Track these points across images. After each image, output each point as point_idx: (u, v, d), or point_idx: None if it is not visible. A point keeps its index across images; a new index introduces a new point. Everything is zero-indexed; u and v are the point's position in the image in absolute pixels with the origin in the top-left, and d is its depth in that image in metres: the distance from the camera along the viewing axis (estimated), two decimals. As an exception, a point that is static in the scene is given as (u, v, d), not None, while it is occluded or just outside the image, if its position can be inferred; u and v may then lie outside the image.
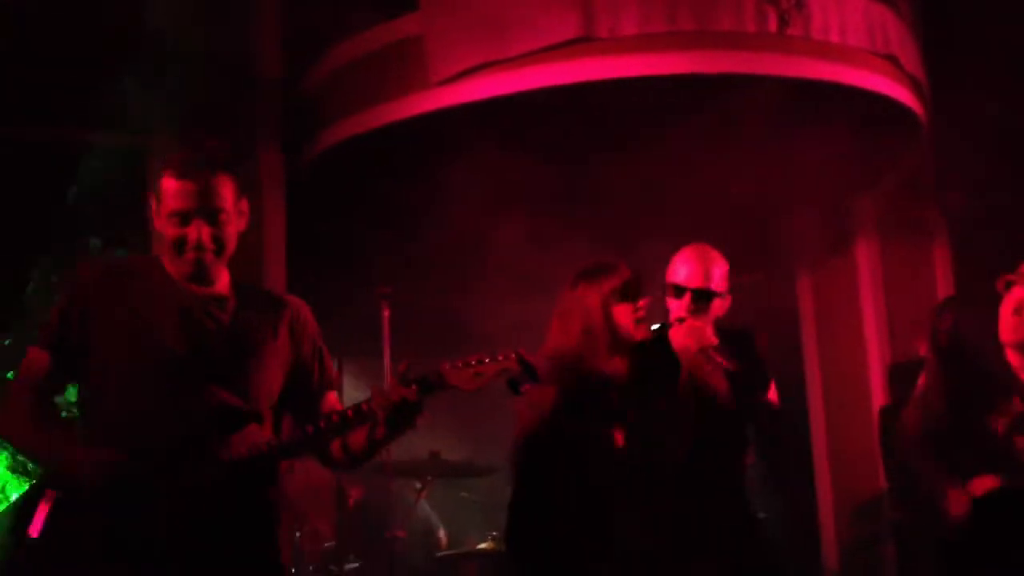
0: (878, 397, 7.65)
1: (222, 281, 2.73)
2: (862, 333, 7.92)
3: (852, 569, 7.81)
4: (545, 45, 5.64)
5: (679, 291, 3.59)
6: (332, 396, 2.87)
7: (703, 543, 3.53)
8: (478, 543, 6.90)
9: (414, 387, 2.60)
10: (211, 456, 2.59)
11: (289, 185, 6.63)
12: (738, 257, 3.79)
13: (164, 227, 2.66)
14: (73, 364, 2.69)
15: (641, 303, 3.56)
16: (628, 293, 3.52)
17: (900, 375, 7.30)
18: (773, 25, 5.68)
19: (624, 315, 3.50)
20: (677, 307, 3.60)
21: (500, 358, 2.64)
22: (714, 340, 3.52)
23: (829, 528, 8.05)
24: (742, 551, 3.58)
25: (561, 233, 6.21)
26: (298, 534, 6.05)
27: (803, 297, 8.51)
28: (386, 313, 5.53)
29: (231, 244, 2.69)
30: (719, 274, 3.61)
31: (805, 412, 8.26)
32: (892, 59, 6.13)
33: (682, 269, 3.62)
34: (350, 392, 5.81)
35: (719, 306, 3.63)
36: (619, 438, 3.49)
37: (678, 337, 3.54)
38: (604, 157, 6.08)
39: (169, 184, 2.62)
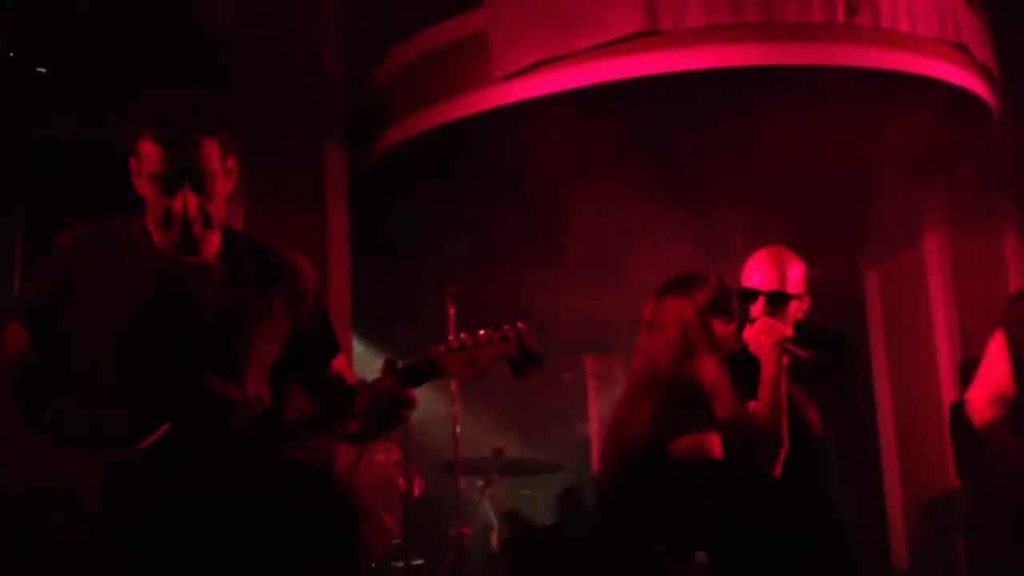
0: (948, 393, 7.52)
1: (211, 247, 2.51)
2: (931, 327, 7.80)
3: (922, 567, 7.70)
4: (609, 39, 5.62)
5: (753, 295, 3.57)
6: (338, 361, 2.68)
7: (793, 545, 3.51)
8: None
9: (389, 379, 2.42)
10: (199, 449, 2.40)
11: (353, 184, 6.66)
12: (802, 252, 3.73)
13: (146, 191, 2.44)
14: (54, 341, 2.49)
15: (733, 312, 3.53)
16: (722, 306, 3.47)
17: (972, 371, 7.18)
18: (841, 15, 5.60)
19: (720, 327, 3.46)
20: (752, 312, 3.58)
21: (497, 338, 2.41)
22: (788, 332, 3.47)
23: (898, 526, 7.94)
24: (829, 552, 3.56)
25: (631, 228, 6.20)
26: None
27: (870, 291, 8.40)
28: (452, 311, 5.55)
29: (220, 209, 2.48)
30: (795, 276, 3.57)
31: (873, 408, 8.16)
32: (963, 48, 6.02)
33: (755, 273, 3.60)
34: (420, 392, 5.84)
35: (796, 308, 3.58)
36: (718, 449, 3.44)
37: (751, 336, 3.50)
38: (672, 150, 6.05)
39: (148, 148, 2.39)
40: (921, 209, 7.73)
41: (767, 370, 3.42)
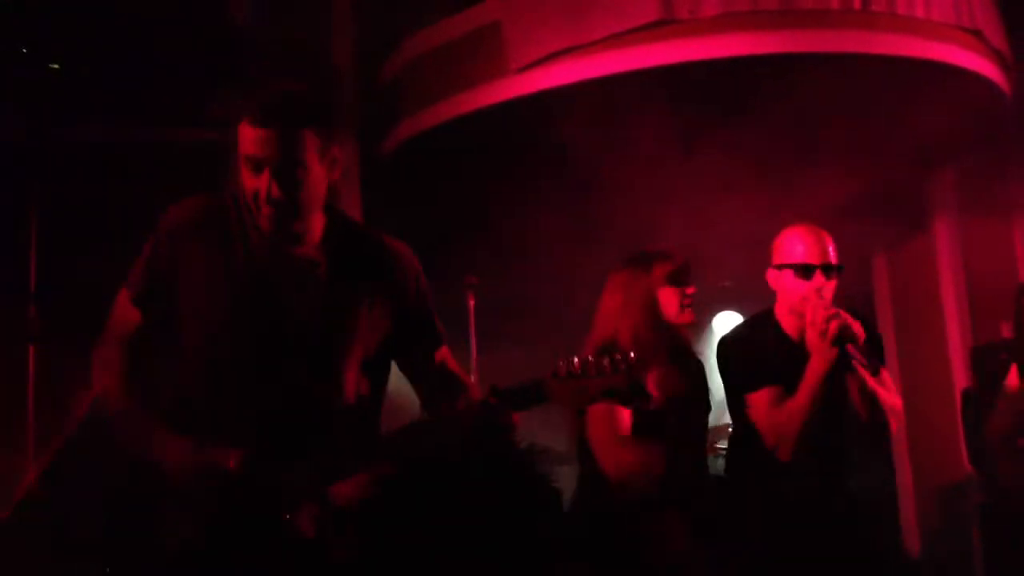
0: (960, 380, 7.52)
1: (313, 235, 2.52)
2: (942, 313, 7.80)
3: (935, 555, 7.70)
4: (625, 28, 5.60)
5: (806, 270, 3.41)
6: (441, 352, 2.68)
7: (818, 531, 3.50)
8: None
9: (495, 402, 2.40)
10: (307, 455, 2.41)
11: (365, 176, 6.64)
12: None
13: (242, 174, 2.46)
14: (161, 320, 2.51)
15: (689, 290, 3.65)
16: (678, 278, 3.62)
17: (983, 357, 7.18)
18: (857, 2, 5.59)
19: (670, 300, 3.61)
20: (801, 287, 3.44)
21: (608, 370, 2.36)
22: (862, 334, 3.37)
23: (910, 514, 7.94)
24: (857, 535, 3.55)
25: (648, 221, 6.19)
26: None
27: (878, 278, 8.39)
28: (472, 303, 5.55)
29: (315, 197, 2.46)
30: (833, 248, 3.47)
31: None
32: (977, 34, 6.02)
33: (798, 247, 3.45)
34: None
35: (833, 287, 3.51)
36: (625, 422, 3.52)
37: (818, 334, 3.35)
38: (687, 142, 6.03)
39: (246, 131, 2.42)
40: (931, 194, 7.73)
41: (819, 365, 3.34)
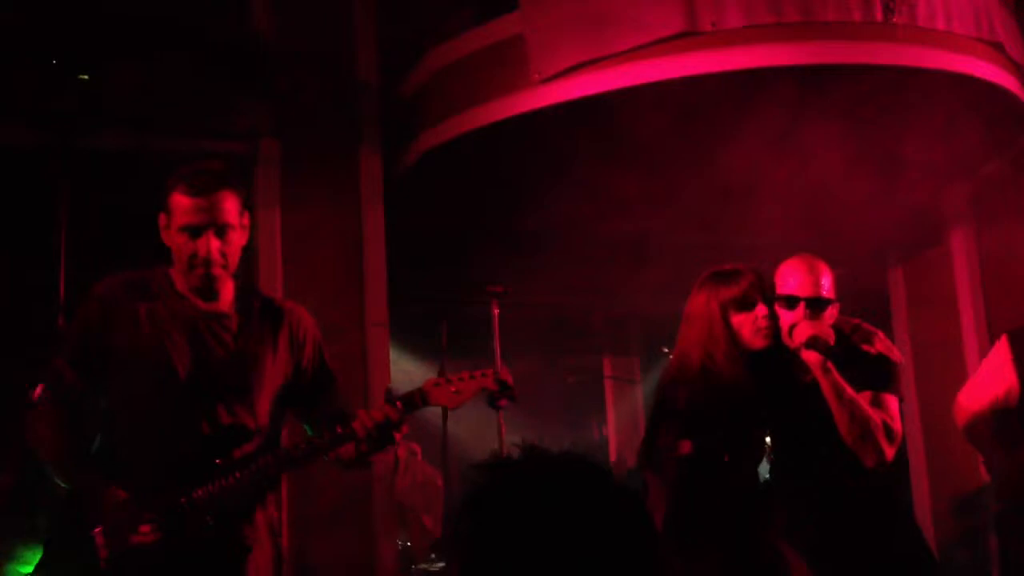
0: (977, 390, 7.52)
1: (227, 296, 2.92)
2: (958, 324, 7.82)
3: (952, 564, 7.70)
4: (648, 41, 5.62)
5: (792, 301, 3.58)
6: (330, 393, 3.08)
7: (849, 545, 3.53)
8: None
9: (399, 405, 2.86)
10: (218, 476, 2.77)
11: (389, 187, 6.68)
12: (826, 250, 3.77)
13: (174, 241, 2.84)
14: (96, 378, 2.85)
15: (760, 312, 3.59)
16: (747, 302, 3.58)
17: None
18: (879, 14, 5.62)
19: (743, 324, 3.57)
20: (790, 317, 3.60)
21: (479, 375, 2.90)
22: (832, 341, 3.51)
23: (927, 523, 7.95)
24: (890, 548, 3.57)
25: (666, 230, 6.24)
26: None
27: (894, 288, 8.41)
28: (496, 312, 5.55)
29: (236, 258, 2.88)
30: (828, 282, 3.62)
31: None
32: (997, 46, 6.05)
33: (791, 279, 3.61)
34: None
35: (831, 314, 3.62)
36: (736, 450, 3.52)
37: (797, 342, 3.54)
38: (707, 151, 6.07)
39: (180, 200, 2.80)
40: (948, 205, 7.75)
41: (821, 380, 3.47)
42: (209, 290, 2.86)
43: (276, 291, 6.23)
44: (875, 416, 3.47)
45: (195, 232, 2.79)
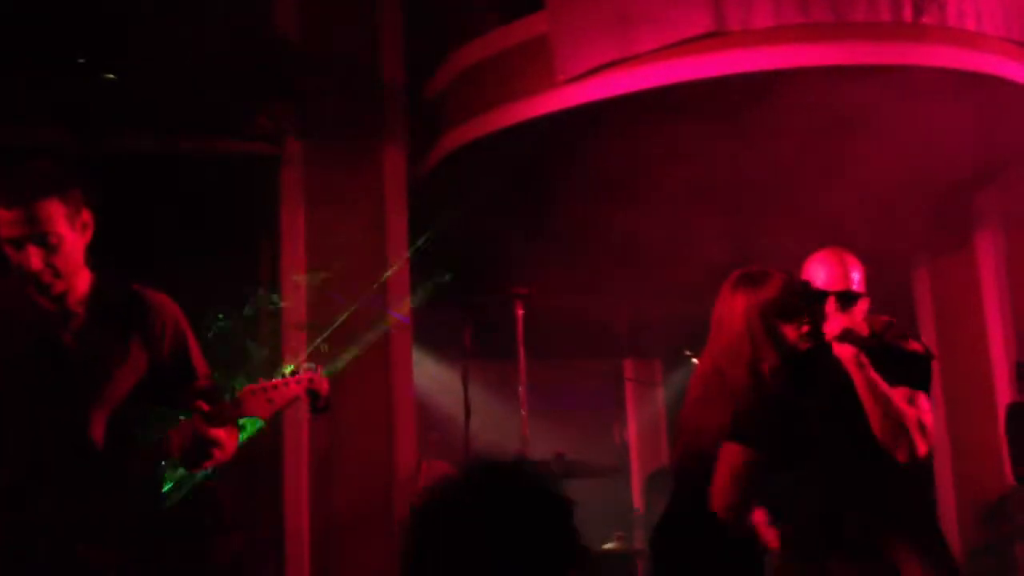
0: (1003, 393, 7.47)
1: (76, 293, 2.77)
2: (984, 326, 7.76)
3: (978, 569, 7.64)
4: (675, 40, 5.58)
5: (822, 296, 3.51)
6: (194, 387, 2.91)
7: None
8: (600, 544, 6.89)
9: (196, 420, 2.72)
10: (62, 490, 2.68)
11: (413, 188, 6.67)
12: (854, 249, 3.72)
13: (5, 250, 2.70)
14: None
15: (803, 315, 3.47)
16: (789, 305, 3.44)
17: (1027, 369, 7.16)
18: (908, 14, 5.57)
19: (785, 327, 3.44)
20: (822, 312, 3.56)
21: (293, 382, 2.77)
22: (866, 334, 3.47)
23: (952, 527, 7.88)
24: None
25: (691, 230, 6.20)
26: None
27: (920, 291, 8.35)
28: (520, 313, 5.52)
29: (70, 261, 2.71)
30: (859, 275, 3.55)
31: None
32: (1029, 46, 5.99)
33: (821, 272, 3.54)
34: (480, 396, 5.84)
35: (861, 308, 3.57)
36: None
37: (830, 335, 3.49)
38: (731, 150, 6.03)
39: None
40: (975, 207, 7.69)
41: (854, 375, 3.40)
42: (48, 294, 2.73)
43: (300, 292, 6.23)
44: (910, 412, 3.43)
45: (16, 244, 2.65)
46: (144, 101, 5.77)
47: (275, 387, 2.77)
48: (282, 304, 6.21)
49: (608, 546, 6.84)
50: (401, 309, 6.46)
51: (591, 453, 9.10)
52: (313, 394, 2.79)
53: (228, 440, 2.81)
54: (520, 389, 5.56)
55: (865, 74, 5.62)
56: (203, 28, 5.92)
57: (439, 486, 1.57)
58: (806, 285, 3.56)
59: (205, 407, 2.74)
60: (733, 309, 3.47)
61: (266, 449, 6.08)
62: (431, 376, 8.28)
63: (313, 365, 2.84)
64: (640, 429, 11.19)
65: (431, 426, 8.08)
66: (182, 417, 2.84)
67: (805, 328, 3.46)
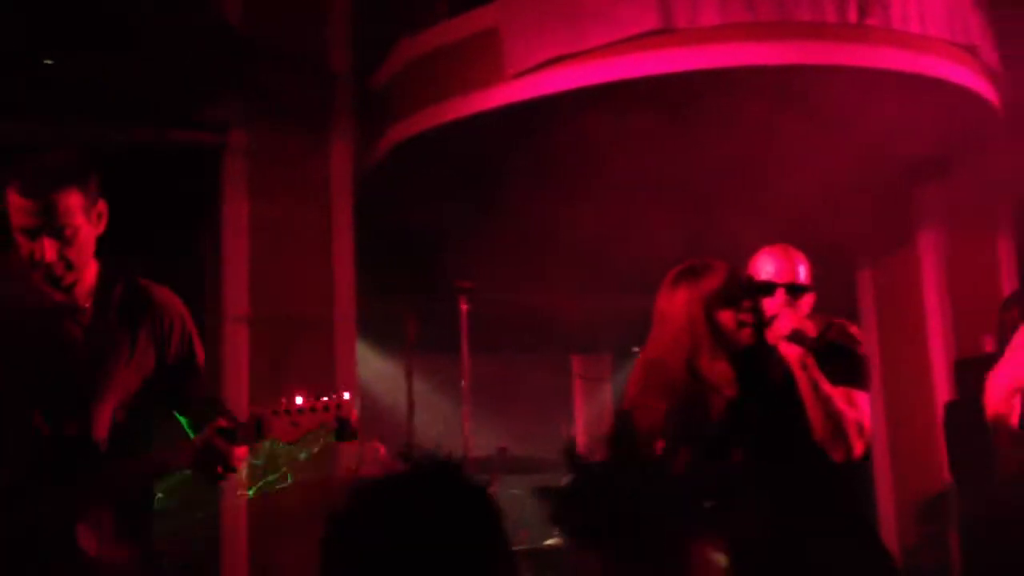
0: (942, 392, 7.58)
1: (84, 285, 2.75)
2: (925, 327, 7.85)
3: (915, 566, 7.74)
4: (623, 37, 5.59)
5: (770, 288, 3.53)
6: (195, 384, 2.91)
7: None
8: (538, 540, 6.88)
9: (217, 438, 2.65)
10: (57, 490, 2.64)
11: (360, 179, 6.62)
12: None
13: (17, 238, 2.69)
14: None
15: (745, 304, 3.49)
16: (731, 296, 3.46)
17: (966, 370, 7.26)
18: (853, 15, 5.62)
19: (727, 319, 3.45)
20: (768, 306, 3.56)
21: (320, 408, 2.69)
22: (813, 335, 3.49)
23: (890, 525, 7.98)
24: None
25: (639, 225, 6.21)
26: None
27: (863, 291, 8.44)
28: (464, 308, 5.49)
29: (83, 253, 2.70)
30: (805, 269, 3.58)
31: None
32: (971, 49, 6.06)
33: (768, 266, 3.56)
34: (423, 390, 5.81)
35: (807, 302, 3.60)
36: (735, 452, 3.47)
37: (780, 334, 3.50)
38: (678, 146, 6.05)
39: (14, 200, 2.64)
40: (918, 206, 7.79)
41: (798, 375, 3.41)
42: (57, 285, 2.71)
43: (242, 285, 6.16)
44: (849, 412, 3.46)
45: (31, 234, 2.63)
46: (86, 89, 5.67)
47: (301, 411, 2.70)
48: (224, 297, 6.14)
49: (549, 542, 6.83)
50: (345, 302, 6.41)
51: (538, 448, 9.10)
52: (342, 422, 2.72)
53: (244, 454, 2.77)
54: (463, 384, 5.54)
55: (810, 73, 5.66)
56: (148, 15, 5.84)
57: (358, 485, 1.51)
58: (749, 278, 3.58)
59: (226, 424, 2.68)
60: (674, 302, 3.47)
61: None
62: (376, 370, 8.23)
63: (344, 393, 2.75)
64: (588, 425, 11.21)
65: (375, 420, 8.03)
66: (193, 434, 2.80)
67: (746, 317, 3.49)
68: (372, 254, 6.67)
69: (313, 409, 2.69)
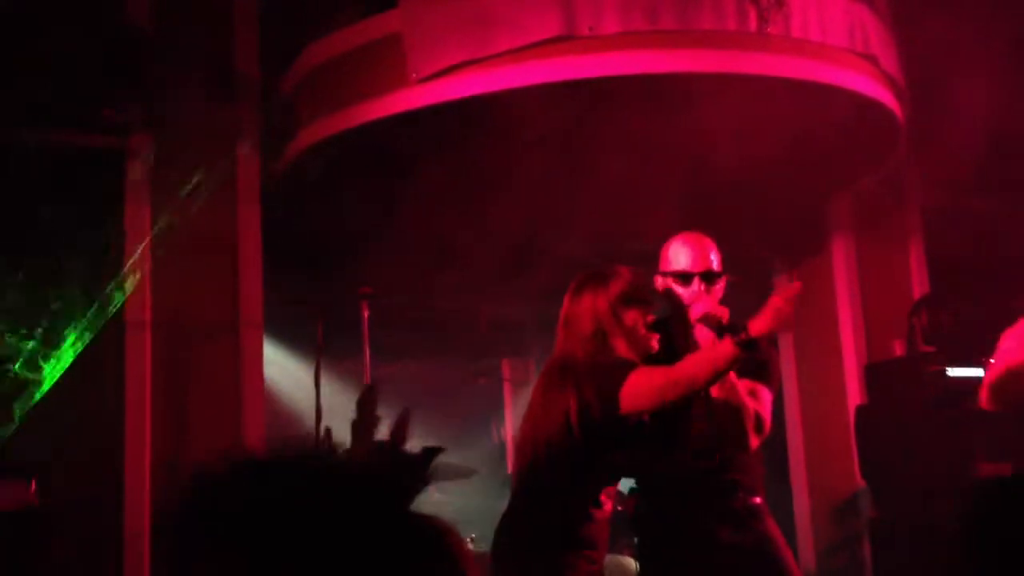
0: (854, 396, 7.68)
1: None
2: (837, 333, 7.95)
3: (829, 568, 7.83)
4: (526, 43, 5.59)
5: (686, 277, 3.60)
6: None
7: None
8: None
9: None
10: None
11: (267, 187, 6.56)
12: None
13: None
14: None
15: (650, 308, 3.56)
16: (636, 299, 3.53)
17: (876, 375, 7.37)
18: (753, 24, 5.66)
19: (635, 320, 3.50)
20: (684, 294, 3.60)
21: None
22: (725, 320, 3.54)
23: (805, 527, 8.06)
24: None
25: (552, 231, 6.23)
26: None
27: (779, 295, 8.50)
28: (366, 313, 5.53)
29: None
30: (717, 256, 3.67)
31: (780, 411, 8.28)
32: (871, 59, 6.14)
33: (682, 255, 3.65)
34: (329, 395, 5.77)
35: (720, 287, 3.66)
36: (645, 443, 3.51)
37: (693, 318, 3.57)
38: (582, 154, 6.07)
39: None
40: (829, 215, 7.89)
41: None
42: None
43: (144, 290, 6.09)
44: (750, 403, 3.49)
45: None
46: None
47: None
48: (125, 302, 6.05)
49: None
50: (252, 307, 6.35)
51: (468, 454, 9.10)
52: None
53: None
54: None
55: (711, 81, 5.69)
56: (48, 14, 5.75)
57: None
58: (648, 280, 3.63)
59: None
60: (580, 308, 3.52)
61: (104, 448, 5.93)
62: (288, 372, 8.19)
63: None
64: (517, 428, 11.19)
65: (286, 423, 7.99)
66: None
67: (651, 318, 3.52)
68: (282, 258, 6.62)
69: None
